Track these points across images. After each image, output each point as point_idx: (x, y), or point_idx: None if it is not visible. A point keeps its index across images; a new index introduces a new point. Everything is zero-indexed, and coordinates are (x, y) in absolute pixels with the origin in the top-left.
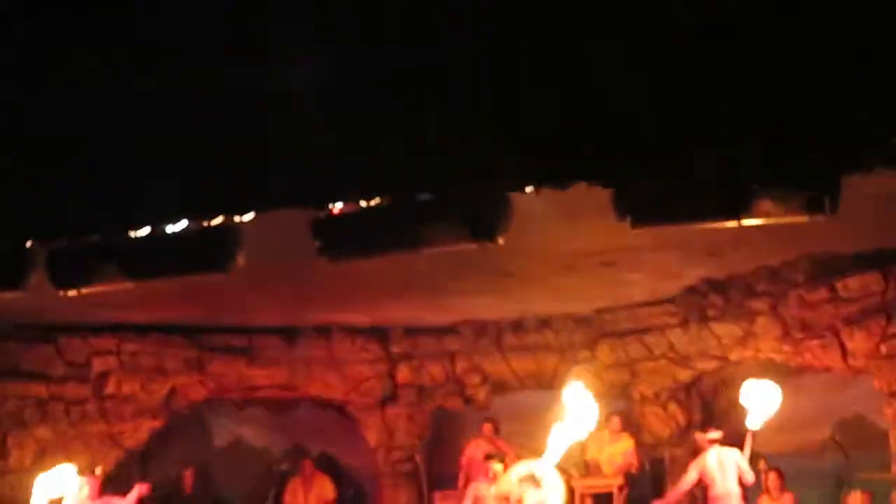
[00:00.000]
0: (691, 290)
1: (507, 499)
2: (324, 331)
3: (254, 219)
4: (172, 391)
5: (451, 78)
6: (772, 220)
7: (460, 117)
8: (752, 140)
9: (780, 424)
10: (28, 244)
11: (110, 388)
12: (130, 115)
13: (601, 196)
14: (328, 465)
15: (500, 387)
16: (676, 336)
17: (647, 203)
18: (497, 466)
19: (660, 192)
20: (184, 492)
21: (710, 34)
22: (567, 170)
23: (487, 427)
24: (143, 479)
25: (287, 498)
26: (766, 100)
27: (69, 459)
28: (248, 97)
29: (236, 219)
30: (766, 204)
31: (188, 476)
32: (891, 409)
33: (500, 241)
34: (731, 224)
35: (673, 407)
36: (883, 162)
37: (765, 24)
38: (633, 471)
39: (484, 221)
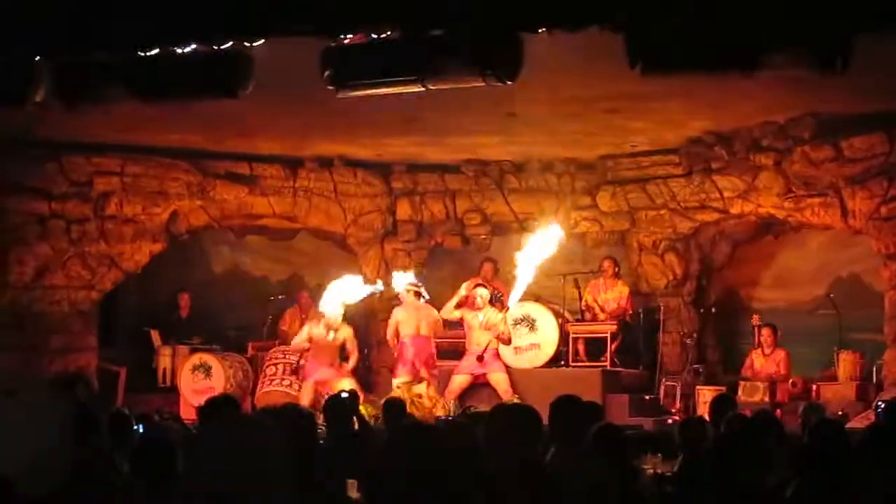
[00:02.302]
0: (696, 141)
1: (490, 328)
2: (326, 163)
3: (264, 45)
4: (173, 215)
5: None
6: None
7: None
8: None
9: (775, 281)
10: (35, 59)
11: (111, 209)
12: None
13: (611, 41)
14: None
15: (500, 228)
16: (679, 186)
17: (659, 50)
18: (482, 292)
19: (671, 40)
20: (179, 315)
21: None
22: (579, 13)
23: (487, 267)
24: (140, 300)
25: (283, 327)
26: None
27: (68, 278)
28: None
29: (246, 43)
30: (777, 58)
31: (184, 300)
32: (887, 270)
33: (510, 81)
34: (741, 75)
35: (670, 257)
36: (893, 23)
37: None
38: (628, 318)
39: (495, 60)
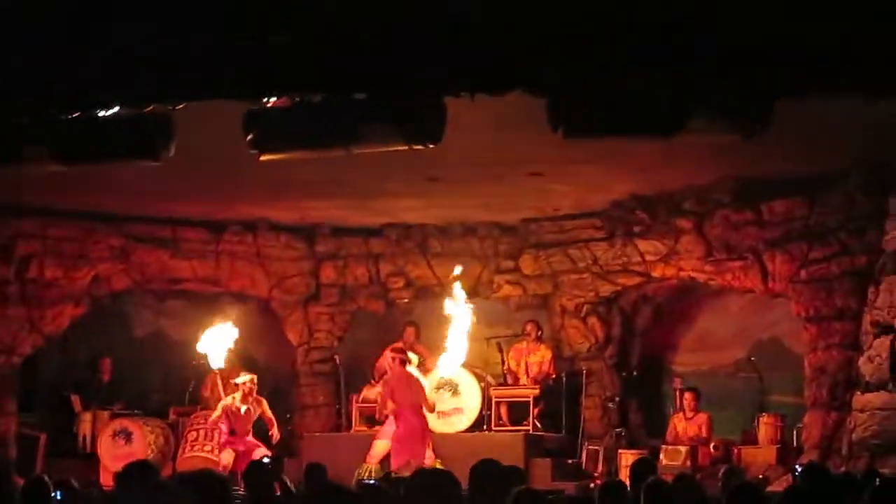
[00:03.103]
0: (618, 204)
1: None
2: (249, 226)
3: (186, 107)
4: (95, 278)
5: None
6: (702, 139)
7: (399, 19)
8: (689, 60)
9: (697, 344)
10: None
11: (33, 272)
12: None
13: (534, 105)
14: (247, 362)
15: (423, 292)
16: (601, 250)
17: (581, 114)
18: (413, 357)
19: (593, 104)
20: (101, 380)
21: None
22: (502, 77)
23: (409, 331)
24: (61, 365)
25: (204, 392)
26: (706, 22)
27: None
28: None
29: (169, 107)
30: (698, 123)
31: (105, 364)
32: (807, 333)
33: (433, 145)
34: (663, 140)
35: (592, 320)
36: (815, 89)
37: None
38: (550, 381)
39: (418, 124)
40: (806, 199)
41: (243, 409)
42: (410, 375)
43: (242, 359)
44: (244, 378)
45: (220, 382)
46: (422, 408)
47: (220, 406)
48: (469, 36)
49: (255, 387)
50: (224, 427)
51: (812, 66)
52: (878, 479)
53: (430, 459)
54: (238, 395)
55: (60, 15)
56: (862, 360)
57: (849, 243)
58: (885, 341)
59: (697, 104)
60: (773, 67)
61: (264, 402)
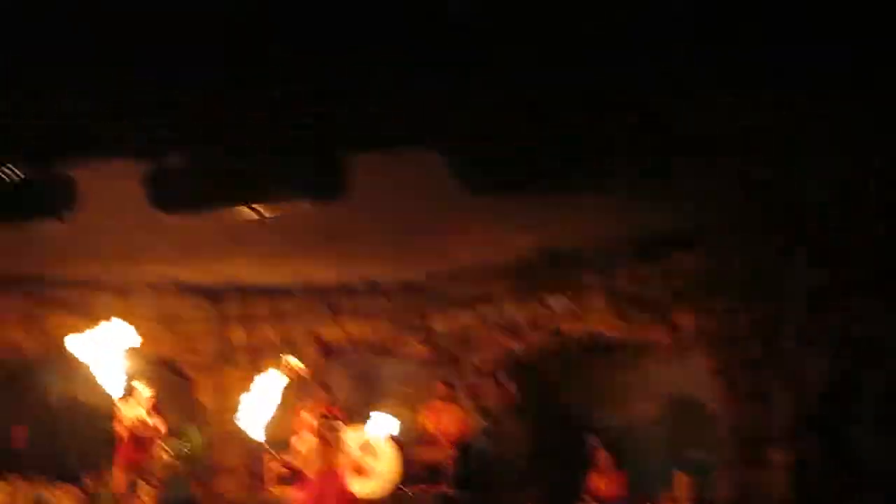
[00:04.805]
0: (525, 260)
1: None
2: (157, 287)
3: (87, 167)
4: (6, 345)
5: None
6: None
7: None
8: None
9: (610, 400)
10: None
11: None
12: None
13: (435, 161)
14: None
15: (334, 351)
16: (508, 306)
17: (484, 170)
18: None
19: (496, 160)
20: (14, 449)
21: None
22: (403, 134)
23: (321, 392)
24: None
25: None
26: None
27: None
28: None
29: (69, 166)
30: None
31: (19, 432)
32: (718, 387)
33: (334, 202)
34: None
35: (503, 378)
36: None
37: None
38: (465, 440)
39: (318, 181)
40: (709, 251)
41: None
42: (331, 437)
43: None
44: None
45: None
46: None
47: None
48: (368, 90)
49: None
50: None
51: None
52: None
53: None
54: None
55: None
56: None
57: (753, 295)
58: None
59: (593, 157)
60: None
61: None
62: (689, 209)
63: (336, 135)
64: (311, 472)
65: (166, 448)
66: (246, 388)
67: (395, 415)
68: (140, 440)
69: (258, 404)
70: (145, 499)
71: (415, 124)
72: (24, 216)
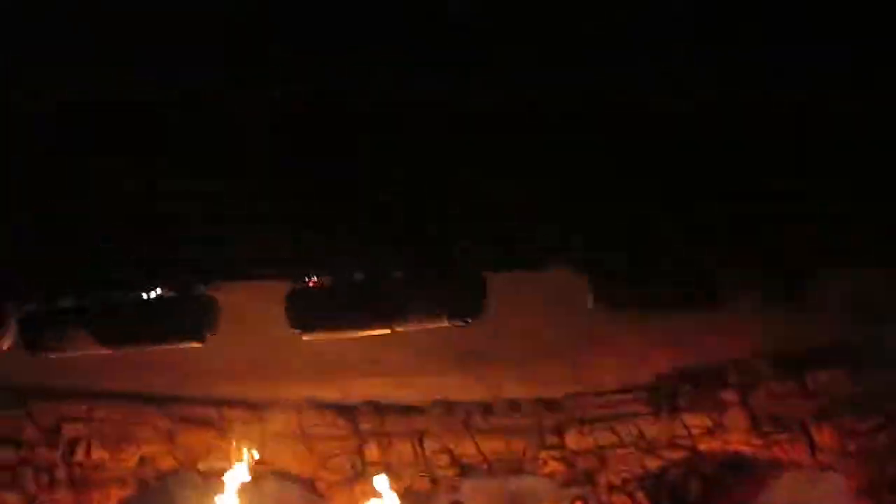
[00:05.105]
0: (662, 377)
1: None
2: (293, 405)
3: (228, 289)
4: (142, 460)
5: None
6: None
7: (438, 195)
8: (720, 233)
9: None
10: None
11: (80, 455)
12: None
13: (572, 280)
14: None
15: (468, 469)
16: (646, 424)
17: (619, 289)
18: None
19: (631, 279)
20: None
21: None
22: (541, 253)
23: None
24: None
25: None
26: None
27: None
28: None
29: (212, 288)
30: (734, 296)
31: None
32: None
33: (472, 321)
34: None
35: (640, 496)
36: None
37: None
38: None
39: (458, 301)
40: (849, 369)
41: None
42: None
43: None
44: None
45: None
46: None
47: None
48: (507, 213)
49: None
50: None
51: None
52: None
53: None
54: None
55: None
56: None
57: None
58: None
59: (732, 277)
60: (807, 238)
61: None
62: (827, 326)
63: (475, 253)
64: None
65: None
66: None
67: None
68: None
69: None
70: None
71: (553, 244)
72: (165, 336)
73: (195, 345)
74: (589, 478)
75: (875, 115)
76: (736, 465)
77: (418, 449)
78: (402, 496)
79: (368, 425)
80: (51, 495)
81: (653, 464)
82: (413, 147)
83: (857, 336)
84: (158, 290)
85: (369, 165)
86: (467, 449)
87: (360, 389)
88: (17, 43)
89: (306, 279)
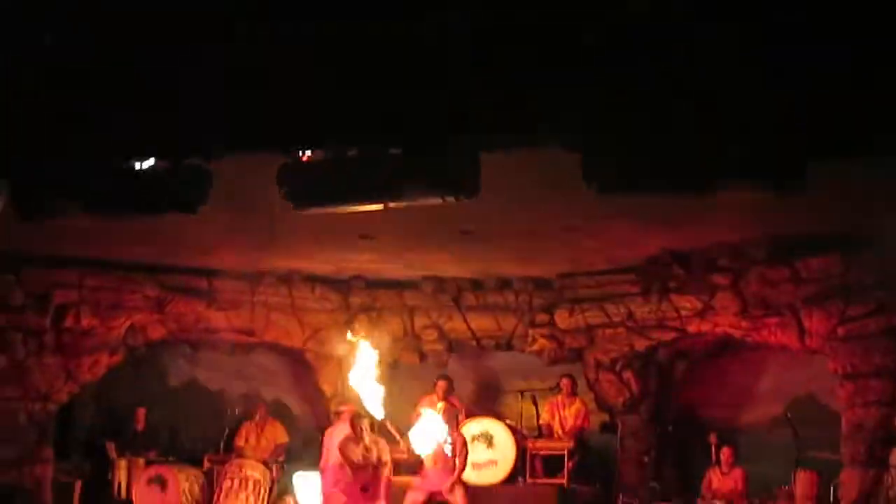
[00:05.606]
0: (653, 260)
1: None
2: (284, 277)
3: (222, 160)
4: (131, 328)
5: (428, 33)
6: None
7: (435, 75)
8: (721, 118)
9: (733, 399)
10: None
11: (69, 322)
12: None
13: (568, 160)
14: (281, 412)
15: (457, 345)
16: (636, 305)
17: (614, 170)
18: (439, 406)
19: (626, 161)
20: (135, 429)
21: None
22: (537, 132)
23: (441, 384)
24: (96, 413)
25: (239, 441)
26: (739, 80)
27: (24, 389)
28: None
29: (205, 159)
30: (731, 181)
31: (140, 414)
32: (844, 390)
33: (468, 200)
34: (696, 197)
35: (628, 375)
36: (849, 151)
37: None
38: (585, 434)
39: (453, 179)
40: (841, 257)
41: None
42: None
43: (275, 408)
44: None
45: (255, 431)
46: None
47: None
48: (505, 92)
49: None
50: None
51: (846, 127)
52: None
53: None
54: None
55: (96, 66)
56: None
57: (886, 301)
58: None
59: (730, 162)
60: (806, 128)
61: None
62: (822, 213)
63: (471, 131)
64: (428, 460)
65: None
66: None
67: (517, 408)
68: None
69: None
70: None
71: (550, 123)
72: (157, 206)
73: (187, 215)
74: (577, 356)
75: None
76: (724, 348)
77: (408, 324)
78: (390, 369)
79: (359, 299)
80: (39, 360)
81: (641, 344)
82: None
83: (851, 224)
84: (152, 160)
85: (369, 38)
86: (457, 325)
87: (352, 264)
88: None
89: (300, 153)
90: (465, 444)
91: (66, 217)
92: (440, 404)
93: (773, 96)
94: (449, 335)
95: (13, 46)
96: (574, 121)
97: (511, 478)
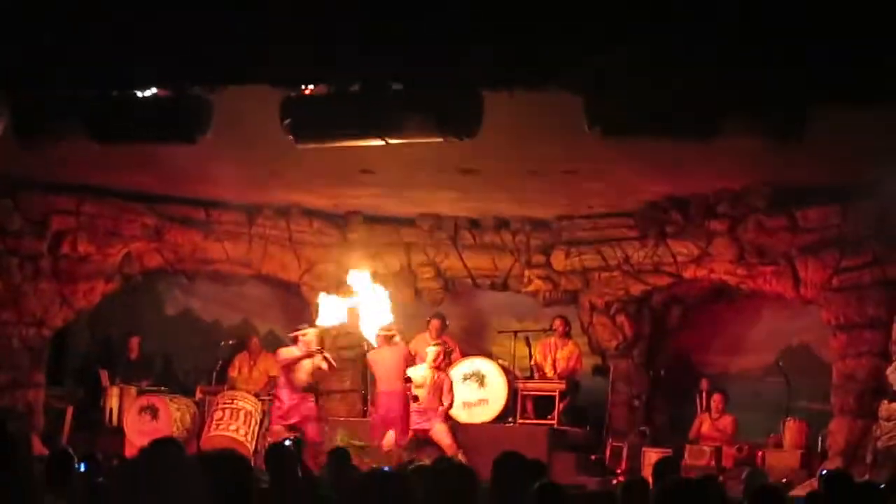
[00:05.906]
0: (651, 205)
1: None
2: (282, 211)
3: (224, 91)
4: (127, 256)
5: None
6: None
7: (438, 11)
8: (726, 62)
9: (725, 346)
10: None
11: (66, 248)
12: None
13: (570, 103)
14: (274, 343)
15: (452, 283)
16: (633, 249)
17: (616, 114)
18: (431, 350)
19: (629, 104)
20: (128, 358)
21: None
22: (539, 73)
23: (435, 323)
24: (90, 339)
25: (231, 372)
26: (745, 25)
27: (19, 314)
28: None
29: (206, 90)
30: (733, 126)
31: (134, 342)
32: (836, 341)
33: (468, 138)
34: (698, 142)
35: (621, 319)
36: (850, 97)
37: None
38: (577, 377)
39: (454, 117)
40: (839, 207)
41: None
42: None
43: (270, 341)
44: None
45: (248, 362)
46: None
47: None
48: (509, 31)
49: None
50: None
51: (848, 73)
52: None
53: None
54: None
55: None
56: (890, 370)
57: (881, 253)
58: None
59: (730, 107)
60: (809, 73)
61: None
62: (821, 163)
63: (474, 69)
64: (421, 397)
65: None
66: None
67: (510, 348)
68: None
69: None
70: None
71: (553, 64)
72: (157, 136)
73: (187, 145)
74: (572, 298)
75: None
76: (719, 295)
77: (404, 260)
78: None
79: (356, 234)
80: (34, 284)
81: (636, 288)
82: None
83: (851, 175)
84: (154, 89)
85: None
86: (453, 263)
87: (351, 199)
88: None
89: (302, 87)
90: (451, 386)
91: (65, 141)
92: (434, 344)
93: (774, 42)
94: (445, 273)
95: None
96: (577, 62)
97: (502, 417)
